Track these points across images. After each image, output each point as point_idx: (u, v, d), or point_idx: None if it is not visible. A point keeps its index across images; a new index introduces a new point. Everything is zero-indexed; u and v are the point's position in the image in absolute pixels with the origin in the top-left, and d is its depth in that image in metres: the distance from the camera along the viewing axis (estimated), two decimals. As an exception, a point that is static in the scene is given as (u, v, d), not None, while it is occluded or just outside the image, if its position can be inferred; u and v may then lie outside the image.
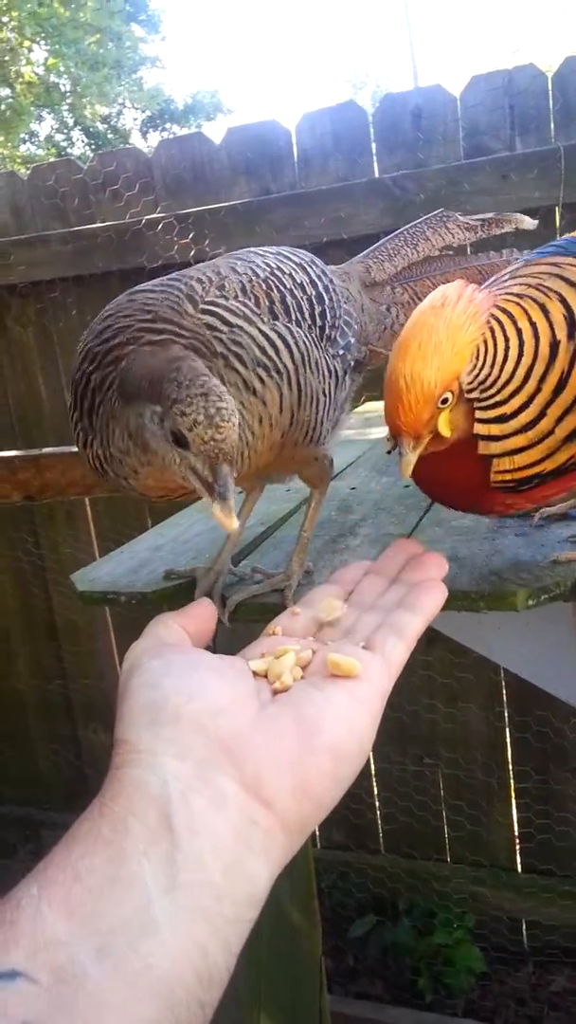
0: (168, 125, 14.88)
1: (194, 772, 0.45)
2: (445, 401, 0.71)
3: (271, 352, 0.79)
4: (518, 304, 0.73)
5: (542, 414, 0.72)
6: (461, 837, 2.42)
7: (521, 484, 0.74)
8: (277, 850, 0.46)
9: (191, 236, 2.19)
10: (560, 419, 0.72)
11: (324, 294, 0.90)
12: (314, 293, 0.89)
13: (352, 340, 0.95)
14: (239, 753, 0.46)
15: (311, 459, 0.90)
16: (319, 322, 0.88)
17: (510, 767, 2.32)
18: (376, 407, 1.95)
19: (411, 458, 0.71)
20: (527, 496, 0.77)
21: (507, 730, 2.29)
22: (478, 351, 0.72)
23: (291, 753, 0.47)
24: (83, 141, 13.92)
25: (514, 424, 0.72)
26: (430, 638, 2.27)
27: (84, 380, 0.77)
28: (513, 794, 2.34)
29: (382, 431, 1.63)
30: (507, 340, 0.72)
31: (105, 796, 0.45)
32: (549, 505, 0.95)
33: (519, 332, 0.72)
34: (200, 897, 0.41)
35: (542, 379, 0.71)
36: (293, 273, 0.88)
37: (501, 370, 0.72)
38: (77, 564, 2.72)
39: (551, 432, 0.72)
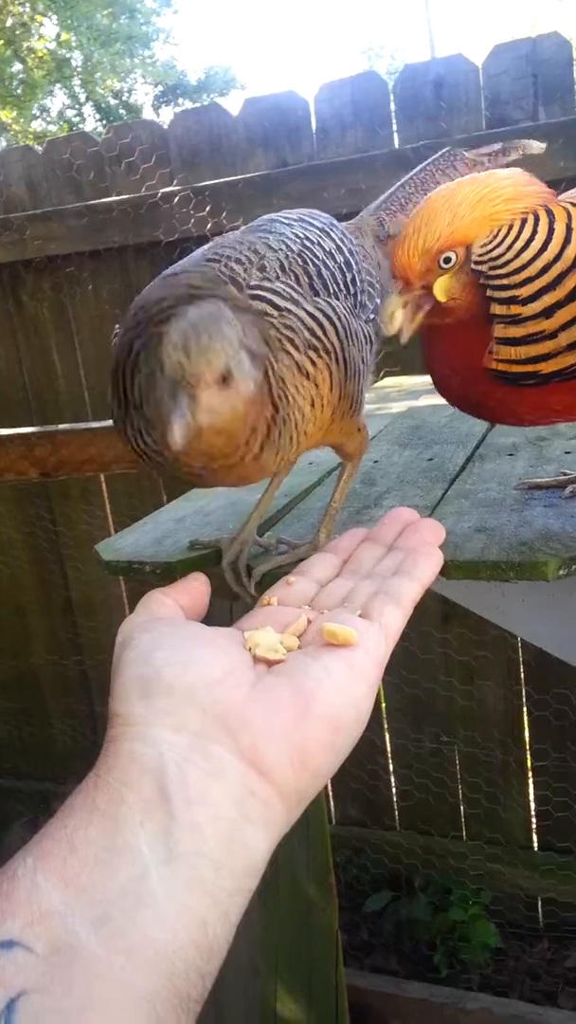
0: (181, 100, 14.74)
1: (190, 743, 0.45)
2: (448, 261, 0.71)
3: (319, 332, 0.78)
4: (566, 210, 0.72)
5: (550, 312, 0.70)
6: (477, 814, 2.42)
7: (519, 379, 0.73)
8: (275, 820, 0.46)
9: (208, 209, 2.16)
10: (567, 325, 0.70)
11: (351, 258, 0.89)
12: (342, 260, 0.87)
13: (378, 301, 0.94)
14: (235, 724, 0.46)
15: (353, 431, 0.89)
16: (351, 289, 0.87)
17: (527, 745, 2.31)
18: (395, 382, 1.93)
19: (392, 300, 0.72)
20: (528, 400, 0.75)
21: (525, 708, 2.28)
22: (499, 230, 0.71)
23: (288, 723, 0.47)
24: (95, 116, 13.82)
25: (532, 308, 0.71)
26: (447, 615, 2.26)
27: (116, 384, 0.76)
28: (530, 772, 2.34)
29: (402, 405, 1.62)
30: (535, 233, 0.70)
31: (100, 769, 0.44)
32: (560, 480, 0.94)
33: (551, 231, 0.71)
34: (198, 867, 0.41)
35: (559, 279, 0.70)
36: (321, 241, 0.87)
37: (517, 256, 0.70)
38: (92, 541, 2.72)
39: (555, 335, 0.71)
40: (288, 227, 0.87)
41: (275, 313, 0.77)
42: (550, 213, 0.71)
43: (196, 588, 0.59)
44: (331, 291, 0.83)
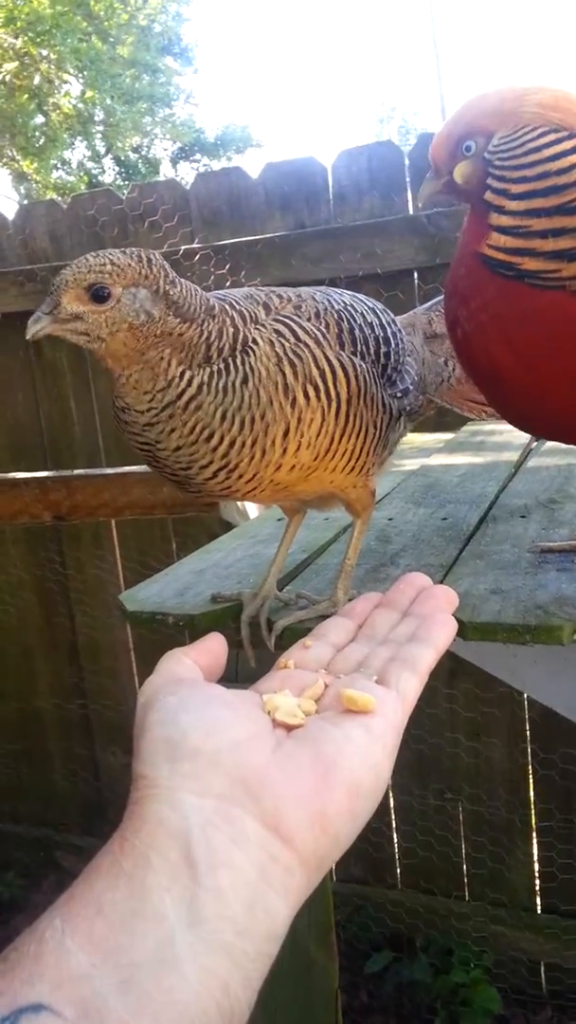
0: (198, 156, 15.15)
1: (214, 807, 0.45)
2: (468, 149, 0.77)
3: (329, 378, 0.82)
4: None
5: (539, 213, 0.74)
6: (481, 875, 2.39)
7: (499, 267, 0.76)
8: (296, 886, 0.46)
9: (228, 267, 2.23)
10: (549, 233, 0.73)
11: (391, 339, 0.93)
12: (381, 335, 0.92)
13: (411, 387, 0.98)
14: (258, 788, 0.46)
15: (350, 487, 0.92)
16: (382, 360, 0.91)
17: (532, 805, 2.30)
18: (407, 439, 1.96)
19: (428, 184, 0.82)
20: (505, 305, 0.77)
21: (531, 767, 2.27)
22: (523, 128, 0.75)
23: (309, 789, 0.47)
24: (114, 169, 14.21)
25: (516, 205, 0.75)
26: (453, 671, 2.26)
27: None
28: (535, 832, 2.31)
29: (416, 463, 1.65)
30: (553, 144, 0.73)
31: (126, 831, 0.45)
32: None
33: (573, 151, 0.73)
34: (222, 932, 0.42)
35: (553, 190, 0.73)
36: (365, 313, 0.91)
37: (530, 155, 0.74)
38: (102, 585, 2.75)
39: (543, 234, 0.74)
40: (339, 295, 0.92)
41: (291, 338, 0.81)
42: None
43: (214, 648, 0.60)
44: (359, 351, 0.87)
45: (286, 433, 0.80)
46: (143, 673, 2.71)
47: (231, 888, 0.43)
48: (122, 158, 13.81)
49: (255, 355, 0.79)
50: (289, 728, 0.52)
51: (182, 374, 0.77)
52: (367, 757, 0.50)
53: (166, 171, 15.03)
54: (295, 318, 0.83)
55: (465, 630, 0.79)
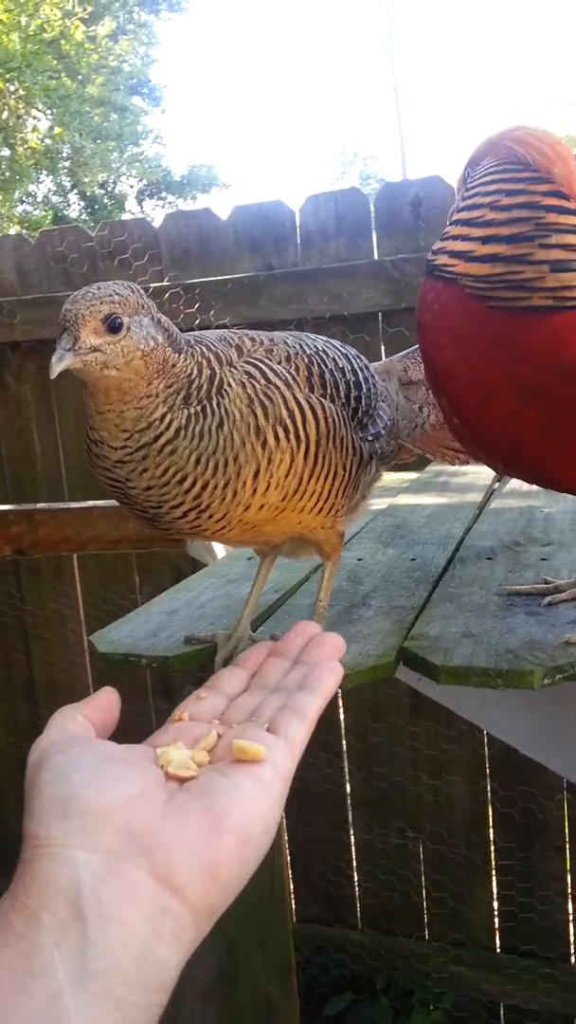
0: (165, 194, 15.30)
1: (104, 863, 0.46)
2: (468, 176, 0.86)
3: (298, 418, 0.84)
4: None
5: (465, 223, 0.81)
6: (442, 914, 2.38)
7: (435, 268, 0.83)
8: (186, 936, 0.47)
9: (197, 306, 2.26)
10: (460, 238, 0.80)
11: (363, 384, 0.95)
12: (352, 379, 0.94)
13: (382, 431, 1.00)
14: (149, 842, 0.47)
15: (318, 527, 0.93)
16: (353, 404, 0.93)
17: (492, 843, 2.30)
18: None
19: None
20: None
21: (490, 804, 2.28)
22: (493, 160, 0.82)
23: (200, 841, 0.48)
24: (79, 205, 14.28)
25: (458, 216, 0.83)
26: (415, 708, 2.28)
27: None
28: (495, 871, 2.32)
29: (383, 502, 1.68)
30: (505, 172, 0.81)
31: (16, 891, 0.46)
32: (557, 591, 0.98)
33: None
34: (111, 986, 0.42)
35: (476, 208, 0.80)
36: (337, 358, 0.93)
37: (480, 181, 0.81)
38: (62, 621, 2.72)
39: (453, 238, 0.81)
40: (312, 340, 0.94)
41: (261, 380, 0.83)
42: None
43: (107, 703, 0.61)
44: (328, 394, 0.89)
45: (256, 474, 0.82)
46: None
47: (121, 942, 0.44)
48: (88, 193, 13.90)
49: (229, 397, 0.81)
50: (182, 780, 0.53)
51: (163, 417, 0.78)
52: (256, 806, 0.52)
53: (132, 208, 15.16)
54: (266, 360, 0.85)
55: (438, 673, 0.81)
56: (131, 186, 15.32)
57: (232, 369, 0.83)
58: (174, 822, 0.49)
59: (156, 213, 14.93)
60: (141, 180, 14.76)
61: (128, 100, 13.04)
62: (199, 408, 0.79)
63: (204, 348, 0.83)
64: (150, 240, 2.40)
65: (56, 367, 0.73)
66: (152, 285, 2.32)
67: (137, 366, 0.76)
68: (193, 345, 0.82)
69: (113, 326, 0.74)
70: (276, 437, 0.82)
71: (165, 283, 2.34)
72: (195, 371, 0.80)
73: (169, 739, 0.59)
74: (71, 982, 0.41)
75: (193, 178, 15.15)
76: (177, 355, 0.79)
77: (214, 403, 0.80)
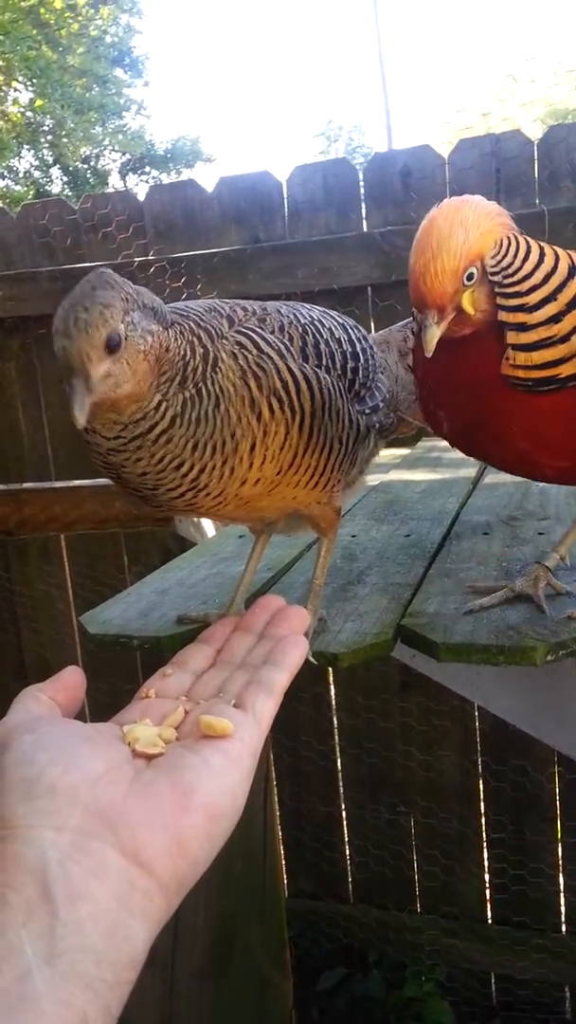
0: (148, 169, 15.09)
1: (72, 841, 0.46)
2: (471, 277, 0.74)
3: (292, 388, 0.81)
4: (536, 240, 0.79)
5: (559, 317, 0.74)
6: (433, 887, 2.40)
7: (539, 384, 0.76)
8: (155, 910, 0.47)
9: (183, 280, 2.22)
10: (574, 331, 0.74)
11: (360, 355, 0.93)
12: (349, 350, 0.91)
13: (381, 404, 0.97)
14: (116, 819, 0.47)
15: (313, 502, 0.91)
16: (349, 375, 0.90)
17: (484, 816, 2.32)
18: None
19: (435, 331, 0.74)
20: (536, 415, 0.77)
21: (482, 779, 2.29)
22: (502, 241, 0.75)
23: (167, 815, 0.49)
24: (62, 180, 14.06)
25: (538, 316, 0.74)
26: (406, 683, 2.28)
27: None
28: (486, 844, 2.34)
29: (375, 478, 1.66)
30: (528, 247, 0.76)
31: None
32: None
33: (541, 248, 0.77)
34: (80, 963, 0.42)
35: (559, 289, 0.75)
36: (333, 328, 0.91)
37: (524, 262, 0.75)
38: (50, 601, 2.69)
39: (568, 337, 0.74)
40: (308, 310, 0.91)
41: (253, 351, 0.80)
42: (527, 238, 0.78)
43: (72, 683, 0.60)
44: (324, 364, 0.87)
45: (253, 447, 0.79)
46: (93, 692, 2.66)
47: (90, 919, 0.44)
48: (70, 168, 13.67)
49: (222, 372, 0.78)
50: (149, 757, 0.54)
51: (158, 406, 0.74)
52: (224, 780, 0.52)
53: (115, 183, 14.94)
54: (258, 330, 0.83)
55: (438, 651, 0.79)
56: (114, 160, 15.10)
57: (223, 341, 0.80)
58: (141, 798, 0.49)
59: (140, 188, 14.74)
60: (124, 154, 14.54)
61: (110, 71, 12.81)
62: (194, 391, 0.76)
63: (193, 324, 0.79)
64: (134, 213, 2.35)
65: (81, 417, 0.68)
66: (137, 259, 2.28)
67: (143, 370, 0.72)
68: (181, 321, 0.78)
69: (113, 345, 0.69)
70: (271, 409, 0.80)
71: (150, 257, 2.29)
72: (188, 351, 0.76)
73: (136, 716, 0.59)
74: (39, 961, 0.41)
75: (177, 151, 14.94)
76: (166, 332, 0.75)
77: (209, 383, 0.77)
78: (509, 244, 0.76)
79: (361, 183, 2.20)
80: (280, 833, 2.50)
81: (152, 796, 0.49)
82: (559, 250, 0.78)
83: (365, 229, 2.19)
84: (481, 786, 2.30)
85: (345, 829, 2.51)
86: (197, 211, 2.31)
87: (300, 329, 0.86)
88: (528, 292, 0.75)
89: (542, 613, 0.85)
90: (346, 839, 2.51)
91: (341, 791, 2.47)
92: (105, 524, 2.16)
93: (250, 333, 0.82)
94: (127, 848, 0.47)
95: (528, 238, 0.78)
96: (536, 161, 2.06)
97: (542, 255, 0.76)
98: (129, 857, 0.47)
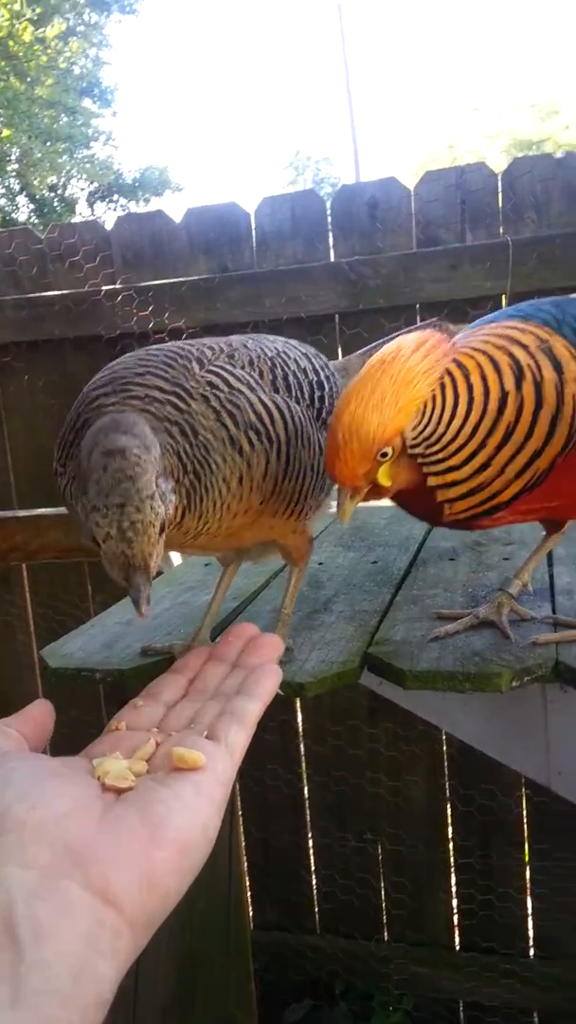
0: (116, 197, 15.14)
1: (39, 879, 0.45)
2: (384, 455, 0.74)
3: (266, 419, 0.82)
4: (472, 358, 0.76)
5: (488, 463, 0.75)
6: (401, 915, 2.38)
7: (486, 514, 0.77)
8: (124, 948, 0.46)
9: (151, 309, 2.22)
10: (506, 464, 0.75)
11: (325, 382, 0.94)
12: (315, 379, 0.93)
13: None
14: (85, 856, 0.47)
15: (289, 532, 0.92)
16: (317, 404, 0.92)
17: (452, 842, 2.31)
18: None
19: (348, 507, 0.76)
20: (500, 519, 0.80)
21: (450, 804, 2.29)
22: (425, 407, 0.74)
23: (137, 851, 0.48)
24: (29, 207, 14.04)
25: (467, 470, 0.75)
26: (374, 709, 2.27)
27: (63, 442, 0.81)
28: (454, 870, 2.33)
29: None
30: (456, 396, 0.75)
31: None
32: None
33: (470, 388, 0.75)
34: (46, 1006, 0.41)
35: (488, 434, 0.74)
36: (298, 359, 0.92)
37: (449, 424, 0.74)
38: (10, 632, 2.65)
39: (501, 471, 0.75)
40: (271, 342, 0.93)
41: (224, 389, 0.81)
42: (461, 366, 0.76)
43: (39, 716, 0.60)
44: (294, 396, 0.88)
45: (240, 480, 0.81)
46: (59, 725, 2.61)
47: (57, 959, 0.42)
48: (37, 196, 13.67)
49: (202, 428, 0.78)
50: (119, 791, 0.53)
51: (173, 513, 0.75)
52: (196, 814, 0.51)
53: (83, 211, 14.97)
54: (227, 367, 0.84)
55: (405, 678, 0.80)
56: (82, 189, 15.13)
57: (194, 383, 0.80)
58: (110, 834, 0.48)
59: (108, 216, 14.77)
60: (92, 183, 14.58)
61: (79, 102, 12.87)
62: (192, 477, 0.77)
63: (171, 407, 0.77)
64: (102, 242, 2.36)
65: (149, 612, 0.68)
66: (104, 288, 2.28)
67: (171, 534, 0.73)
68: (155, 412, 0.76)
69: (162, 531, 0.69)
70: (250, 442, 0.81)
71: (117, 286, 2.30)
72: (175, 453, 0.76)
73: (106, 749, 0.58)
74: (4, 1006, 0.40)
75: (145, 180, 15.01)
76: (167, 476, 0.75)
77: (198, 452, 0.77)
78: (433, 408, 0.74)
79: (328, 214, 2.24)
80: (246, 864, 2.47)
81: (122, 831, 0.48)
82: (490, 378, 0.75)
83: (332, 259, 2.22)
84: (449, 811, 2.30)
85: (312, 858, 2.48)
86: (165, 241, 2.32)
87: (269, 363, 0.88)
88: (454, 453, 0.75)
89: (507, 639, 0.86)
90: (313, 868, 2.49)
91: (308, 820, 2.45)
92: (68, 553, 2.14)
93: (219, 371, 0.82)
94: (96, 885, 0.46)
95: (463, 369, 0.76)
96: (500, 193, 2.11)
97: (470, 404, 0.74)
98: (98, 894, 0.46)
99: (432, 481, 0.76)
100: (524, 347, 0.76)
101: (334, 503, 1.65)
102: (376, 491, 0.77)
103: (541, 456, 0.75)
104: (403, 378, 0.74)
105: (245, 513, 0.84)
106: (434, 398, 0.75)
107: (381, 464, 0.74)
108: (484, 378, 0.75)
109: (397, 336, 0.80)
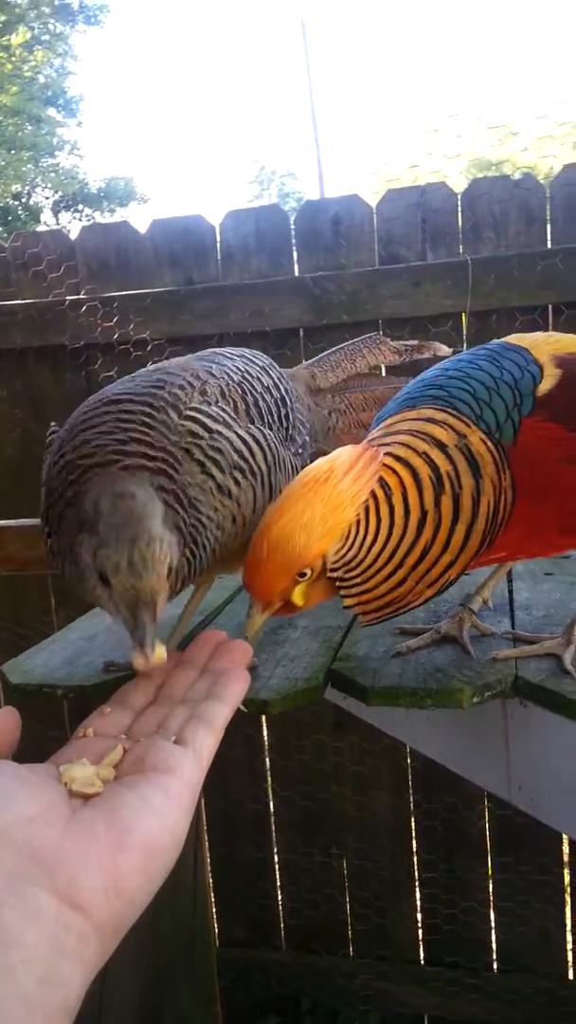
0: (81, 207, 15.09)
1: (4, 885, 0.45)
2: (303, 575, 0.74)
3: (247, 455, 0.83)
4: (395, 473, 0.76)
5: (403, 581, 0.76)
6: (367, 930, 2.38)
7: (387, 619, 0.79)
8: (91, 954, 0.46)
9: (115, 320, 2.21)
10: (421, 578, 0.76)
11: (286, 396, 0.95)
12: (279, 396, 0.93)
13: (307, 438, 1.00)
14: (51, 862, 0.47)
15: None
16: (284, 423, 0.92)
17: (416, 856, 2.32)
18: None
19: (258, 620, 0.75)
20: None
21: (414, 817, 2.29)
22: (349, 532, 0.74)
23: (103, 855, 0.48)
24: (-8, 216, 13.94)
25: (382, 589, 0.76)
26: (339, 722, 2.27)
27: (52, 512, 0.78)
28: (419, 884, 2.33)
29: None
30: (379, 521, 0.75)
31: None
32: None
33: (391, 510, 0.75)
34: (12, 1013, 0.41)
35: (406, 555, 0.75)
36: (260, 377, 0.92)
37: (368, 551, 0.74)
38: (-28, 646, 2.61)
39: (413, 589, 0.77)
40: (231, 360, 0.92)
41: (205, 435, 0.81)
42: (385, 486, 0.75)
43: (4, 724, 0.59)
44: (265, 421, 0.89)
45: (234, 520, 0.82)
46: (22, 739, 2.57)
47: (23, 966, 0.42)
48: (1, 204, 13.57)
49: (190, 484, 0.78)
50: (86, 797, 0.53)
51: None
52: (164, 818, 0.51)
53: (47, 220, 14.88)
54: (203, 408, 0.83)
55: (367, 695, 0.80)
56: (47, 198, 15.05)
57: (177, 438, 0.79)
58: (77, 838, 0.48)
59: (73, 226, 14.71)
60: (57, 192, 14.52)
61: (43, 111, 12.84)
62: (191, 545, 0.77)
63: (164, 477, 0.76)
64: (66, 252, 2.34)
65: (153, 657, 0.67)
66: (68, 298, 2.27)
67: (172, 581, 0.73)
68: (150, 478, 0.76)
69: (170, 574, 0.70)
70: (236, 482, 0.81)
71: (82, 296, 2.29)
72: (175, 512, 0.76)
73: (73, 756, 0.58)
74: None
75: (111, 190, 14.99)
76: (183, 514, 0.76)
77: (193, 517, 0.77)
78: (357, 533, 0.75)
79: (293, 229, 2.25)
80: (212, 880, 2.45)
81: (88, 836, 0.48)
82: (411, 498, 0.75)
83: (297, 273, 2.23)
84: (413, 825, 2.30)
85: (278, 874, 2.47)
86: (131, 251, 2.31)
87: (239, 390, 0.88)
88: (371, 577, 0.75)
89: (468, 655, 0.86)
90: (279, 884, 2.47)
91: (274, 835, 2.44)
92: (29, 566, 2.11)
93: (196, 415, 0.81)
94: (62, 890, 0.46)
95: (386, 490, 0.76)
96: (460, 212, 2.14)
97: (391, 528, 0.75)
98: (64, 900, 0.45)
99: (347, 602, 0.77)
100: (443, 448, 0.76)
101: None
102: (287, 607, 0.77)
103: (454, 566, 0.77)
104: (333, 502, 0.73)
105: (240, 548, 0.84)
106: (359, 523, 0.75)
107: (298, 583, 0.75)
108: (405, 498, 0.75)
109: (330, 455, 0.78)
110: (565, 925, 2.22)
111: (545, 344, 0.85)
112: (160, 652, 0.67)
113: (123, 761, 0.57)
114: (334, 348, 1.22)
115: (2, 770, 0.52)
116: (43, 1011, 0.42)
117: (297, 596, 0.75)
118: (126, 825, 0.49)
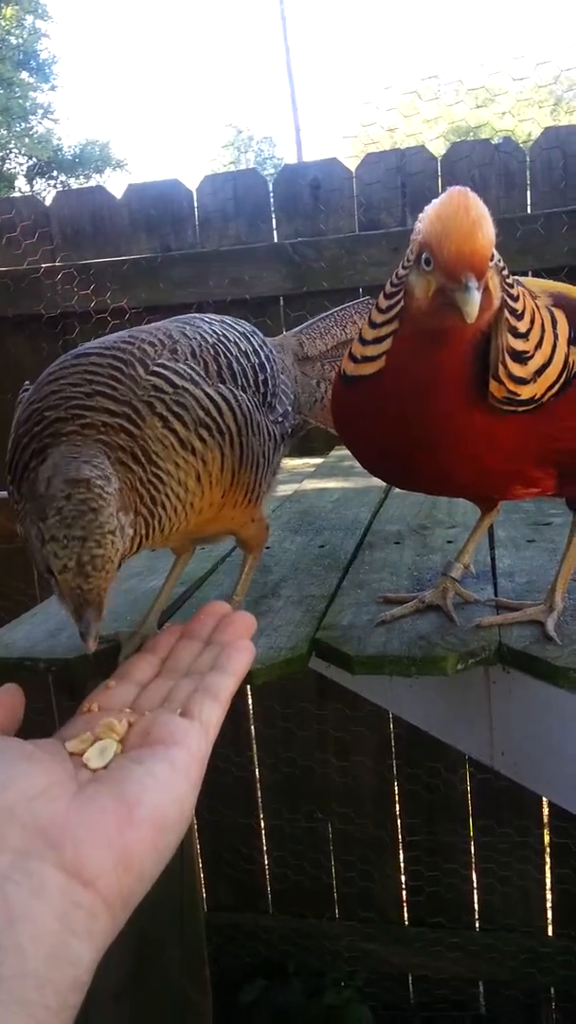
0: (56, 173, 14.79)
1: (11, 862, 0.44)
2: (492, 258, 0.70)
3: (215, 413, 0.81)
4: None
5: (540, 343, 0.74)
6: (351, 893, 2.42)
7: (526, 403, 0.73)
8: (101, 929, 0.46)
9: (92, 287, 2.18)
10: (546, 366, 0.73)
11: (266, 363, 0.93)
12: (256, 361, 0.91)
13: (289, 408, 0.98)
14: (57, 837, 0.46)
15: (247, 520, 0.92)
16: (261, 389, 0.91)
17: (399, 819, 2.35)
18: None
19: (478, 296, 0.67)
20: (503, 435, 0.74)
21: (396, 782, 2.32)
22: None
23: (112, 830, 0.47)
24: (-36, 183, 13.64)
25: (525, 323, 0.73)
26: (322, 691, 2.29)
27: (17, 463, 0.76)
28: (402, 847, 2.37)
29: (289, 488, 1.66)
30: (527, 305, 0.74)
31: None
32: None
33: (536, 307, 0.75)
34: (21, 990, 0.40)
35: (543, 327, 0.74)
36: (238, 341, 0.90)
37: (526, 306, 0.73)
38: (-46, 618, 2.59)
39: (541, 347, 0.73)
40: (208, 324, 0.90)
41: (169, 390, 0.79)
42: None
43: (10, 701, 0.59)
44: (239, 384, 0.87)
45: (198, 478, 0.79)
46: None
47: (31, 942, 0.42)
48: (-28, 172, 13.29)
49: (151, 442, 0.76)
50: (93, 772, 0.53)
51: (131, 544, 0.73)
52: (171, 791, 0.51)
53: (21, 187, 14.57)
54: (169, 364, 0.81)
55: (352, 664, 0.80)
56: (20, 164, 14.73)
57: (142, 392, 0.77)
58: (84, 813, 0.48)
59: (48, 193, 14.43)
60: (31, 158, 14.21)
61: (15, 74, 12.53)
62: (146, 510, 0.74)
63: (124, 434, 0.74)
64: (40, 218, 2.30)
65: (93, 646, 0.65)
66: (43, 265, 2.23)
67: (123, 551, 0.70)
68: (109, 434, 0.74)
69: (119, 566, 0.68)
70: (202, 439, 0.80)
71: (57, 263, 2.24)
72: (131, 473, 0.73)
73: (79, 731, 0.57)
74: None
75: (86, 156, 14.70)
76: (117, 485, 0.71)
77: (151, 473, 0.75)
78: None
79: (271, 194, 2.21)
80: (199, 847, 2.47)
81: (95, 810, 0.48)
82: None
83: (276, 240, 2.20)
84: (396, 790, 2.34)
85: (264, 839, 2.50)
86: (106, 218, 2.27)
87: (212, 351, 0.86)
88: (518, 298, 0.73)
89: (452, 623, 0.87)
90: (265, 849, 2.50)
91: (259, 801, 2.46)
92: (12, 539, 2.09)
93: (162, 371, 0.80)
94: (70, 865, 0.45)
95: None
96: (440, 177, 2.11)
97: (536, 310, 0.76)
98: (72, 875, 0.45)
99: (508, 310, 0.72)
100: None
101: (283, 488, 1.65)
102: (486, 299, 0.69)
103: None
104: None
105: (210, 507, 0.83)
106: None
107: (491, 269, 0.69)
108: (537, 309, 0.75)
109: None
110: (545, 884, 2.26)
111: (535, 284, 0.84)
112: (93, 645, 0.66)
113: (129, 735, 0.57)
114: (322, 314, 1.19)
115: (7, 747, 0.52)
116: (53, 988, 0.41)
117: (492, 283, 0.69)
118: (133, 799, 0.49)
